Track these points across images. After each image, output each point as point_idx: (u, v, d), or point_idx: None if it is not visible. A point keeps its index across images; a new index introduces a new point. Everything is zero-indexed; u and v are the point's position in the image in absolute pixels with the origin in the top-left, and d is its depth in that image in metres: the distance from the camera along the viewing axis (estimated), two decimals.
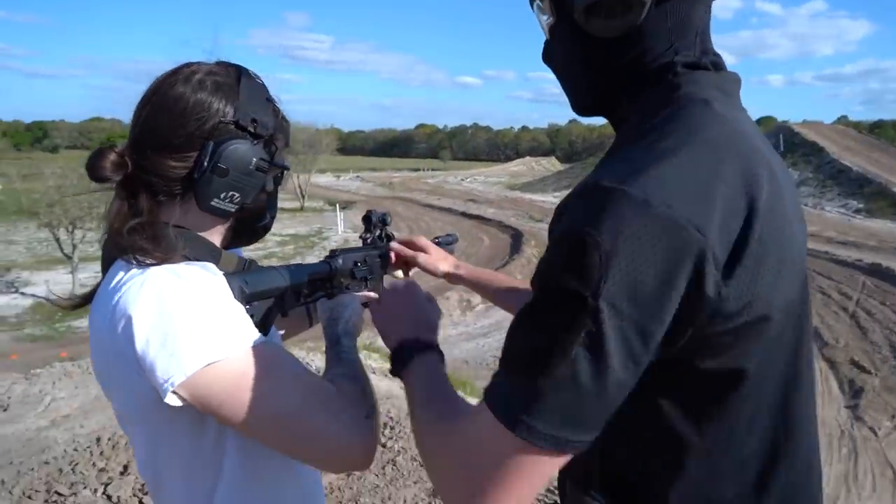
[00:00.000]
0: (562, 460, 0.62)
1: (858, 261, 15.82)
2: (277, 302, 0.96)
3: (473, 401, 0.75)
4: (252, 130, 0.87)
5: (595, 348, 0.57)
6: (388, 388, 4.79)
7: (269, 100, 0.92)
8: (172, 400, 0.76)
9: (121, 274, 0.82)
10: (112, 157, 0.84)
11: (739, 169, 0.63)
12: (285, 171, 0.96)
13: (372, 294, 1.16)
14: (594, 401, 0.58)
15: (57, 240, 19.79)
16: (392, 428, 3.57)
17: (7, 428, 3.66)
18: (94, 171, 0.83)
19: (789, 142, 34.30)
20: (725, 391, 0.66)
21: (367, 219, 1.31)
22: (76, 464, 3.15)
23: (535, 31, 0.85)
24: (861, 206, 25.13)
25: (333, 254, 1.15)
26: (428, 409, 0.74)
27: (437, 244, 1.42)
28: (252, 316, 0.86)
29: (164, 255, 0.81)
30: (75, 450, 3.28)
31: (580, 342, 0.57)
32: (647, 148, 0.64)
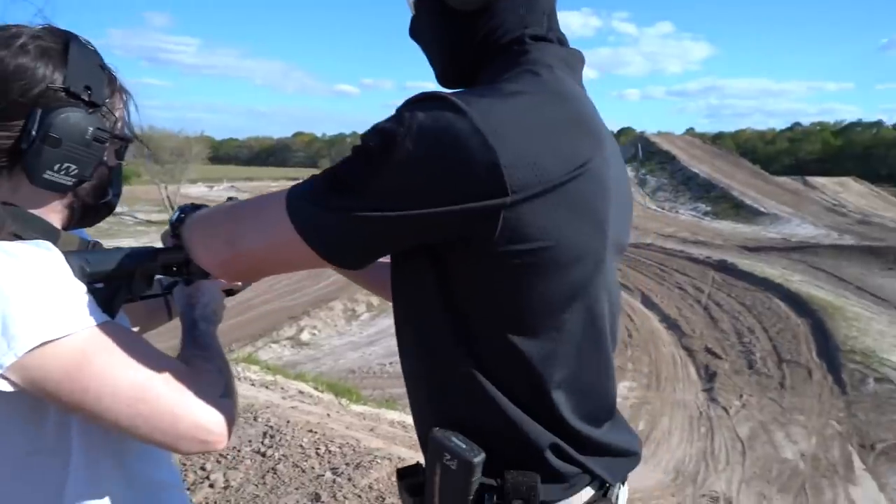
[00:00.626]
0: (310, 255, 0.73)
1: (708, 258, 17.55)
2: (125, 285, 0.89)
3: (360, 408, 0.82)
4: (86, 99, 0.81)
5: (380, 201, 0.67)
6: (267, 398, 4.61)
7: (104, 67, 0.85)
8: (2, 385, 0.68)
9: None
10: None
11: (570, 129, 0.72)
12: (128, 144, 0.90)
13: (232, 283, 1.11)
14: (354, 236, 0.70)
15: None
16: (272, 437, 3.43)
17: None
18: None
19: (647, 150, 37.39)
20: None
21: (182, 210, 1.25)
22: None
23: (412, 40, 0.89)
24: (708, 208, 27.94)
25: None
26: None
27: None
28: (95, 296, 0.79)
29: None
30: None
31: (371, 193, 0.68)
32: (486, 87, 0.74)
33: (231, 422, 0.81)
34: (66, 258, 0.77)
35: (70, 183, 0.81)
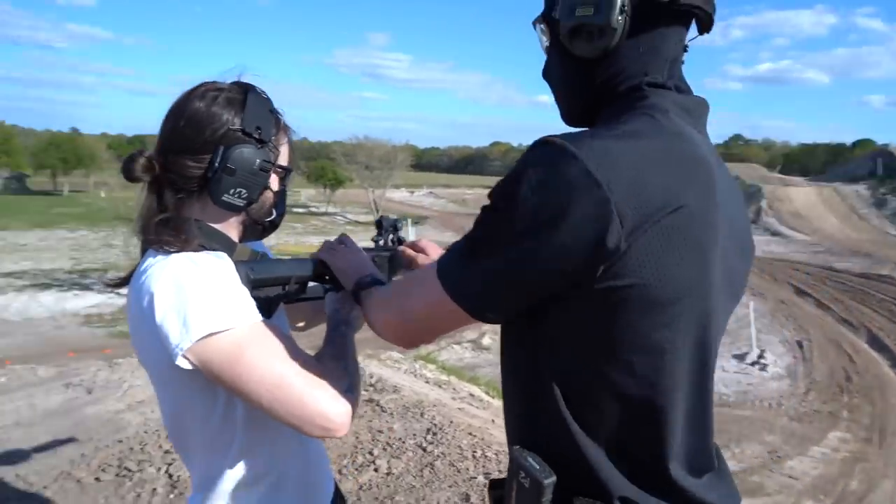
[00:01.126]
0: (451, 307, 0.82)
1: None
2: (282, 290, 1.10)
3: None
4: (256, 136, 1.03)
5: (515, 251, 0.75)
6: (437, 397, 4.91)
7: (272, 111, 1.08)
8: (182, 363, 0.91)
9: (149, 260, 0.99)
10: (142, 160, 1.01)
11: (677, 169, 0.76)
12: (289, 173, 1.12)
13: None
14: (500, 285, 0.79)
15: None
16: (434, 434, 3.69)
17: (90, 409, 4.04)
18: (127, 172, 1.02)
19: (889, 166, 32.08)
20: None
21: (379, 223, 1.44)
22: (145, 444, 3.46)
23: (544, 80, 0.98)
24: None
25: None
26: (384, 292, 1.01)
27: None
28: (257, 299, 1.02)
29: (183, 244, 0.98)
30: (145, 432, 3.59)
31: (506, 243, 0.76)
32: (599, 128, 0.81)
33: (350, 414, 0.97)
34: (235, 267, 1.01)
35: (242, 204, 1.05)
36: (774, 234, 34.60)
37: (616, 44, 0.83)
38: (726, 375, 14.25)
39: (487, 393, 6.78)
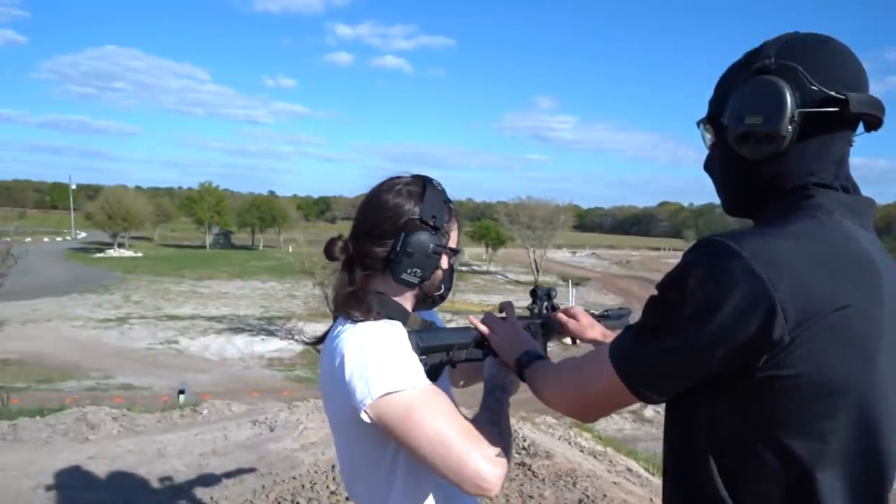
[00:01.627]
0: (628, 396, 0.89)
1: None
2: (446, 355, 1.25)
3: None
4: (431, 224, 1.20)
5: (678, 342, 0.81)
6: (591, 468, 4.76)
7: (446, 201, 1.24)
8: (364, 417, 1.06)
9: (340, 327, 1.18)
10: (339, 243, 1.21)
11: (842, 269, 0.80)
12: (457, 253, 1.28)
13: None
14: (662, 371, 0.85)
15: (326, 297, 23.31)
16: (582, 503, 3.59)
17: (271, 445, 4.51)
18: (328, 253, 1.22)
19: None
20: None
21: (533, 292, 1.55)
22: (315, 483, 3.78)
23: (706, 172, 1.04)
24: None
25: None
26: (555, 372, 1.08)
27: (606, 317, 1.62)
28: (426, 364, 1.17)
29: (366, 314, 1.17)
30: (315, 471, 3.93)
31: (672, 334, 0.82)
32: (770, 227, 0.85)
33: (503, 476, 1.07)
34: (408, 335, 1.17)
35: (416, 281, 1.20)
36: None
37: (784, 148, 0.86)
38: None
39: (647, 469, 6.38)
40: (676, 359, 0.82)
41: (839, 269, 0.79)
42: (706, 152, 1.00)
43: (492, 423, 1.14)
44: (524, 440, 4.87)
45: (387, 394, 1.05)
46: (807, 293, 0.76)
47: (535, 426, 5.86)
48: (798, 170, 0.88)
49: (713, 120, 0.96)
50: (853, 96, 0.84)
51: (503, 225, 51.17)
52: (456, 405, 1.31)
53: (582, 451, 5.57)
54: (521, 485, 3.87)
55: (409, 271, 1.19)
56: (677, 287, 0.82)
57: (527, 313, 1.52)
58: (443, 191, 1.26)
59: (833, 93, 0.84)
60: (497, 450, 1.08)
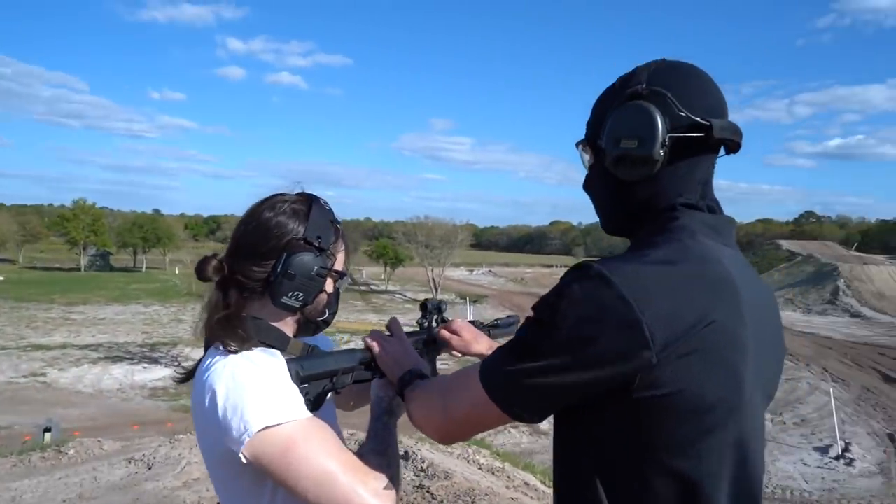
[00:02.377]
0: (502, 417, 0.89)
1: None
2: (330, 381, 1.17)
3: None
4: (316, 245, 1.13)
5: (540, 358, 0.82)
6: (489, 485, 4.78)
7: (333, 221, 1.19)
8: (241, 456, 0.97)
9: (210, 358, 1.08)
10: (213, 263, 1.12)
11: (704, 290, 0.82)
12: (343, 276, 1.21)
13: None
14: (537, 392, 0.84)
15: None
16: None
17: (148, 484, 4.16)
18: (199, 273, 1.12)
19: None
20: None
21: (423, 306, 1.50)
22: None
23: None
24: None
25: None
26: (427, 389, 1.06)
27: (496, 326, 1.63)
28: (307, 393, 1.09)
29: (241, 343, 1.07)
30: None
31: (545, 354, 0.82)
32: (635, 253, 0.88)
33: None
34: (287, 364, 1.08)
35: (298, 305, 1.13)
36: (854, 315, 32.70)
37: (657, 171, 0.91)
38: (807, 470, 13.14)
39: (544, 482, 6.53)
40: (550, 378, 0.82)
41: (702, 290, 0.82)
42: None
43: (378, 453, 1.09)
44: (422, 461, 4.81)
45: (263, 429, 0.97)
46: (672, 315, 0.78)
47: (434, 446, 5.84)
48: (668, 191, 0.92)
49: (591, 142, 0.99)
50: (716, 122, 0.89)
51: (401, 244, 51.26)
52: (339, 434, 1.24)
53: (480, 468, 5.59)
54: None
55: (290, 295, 1.11)
56: (552, 308, 0.83)
57: (418, 328, 1.48)
58: (330, 210, 1.20)
59: (699, 119, 0.89)
60: (385, 482, 1.02)
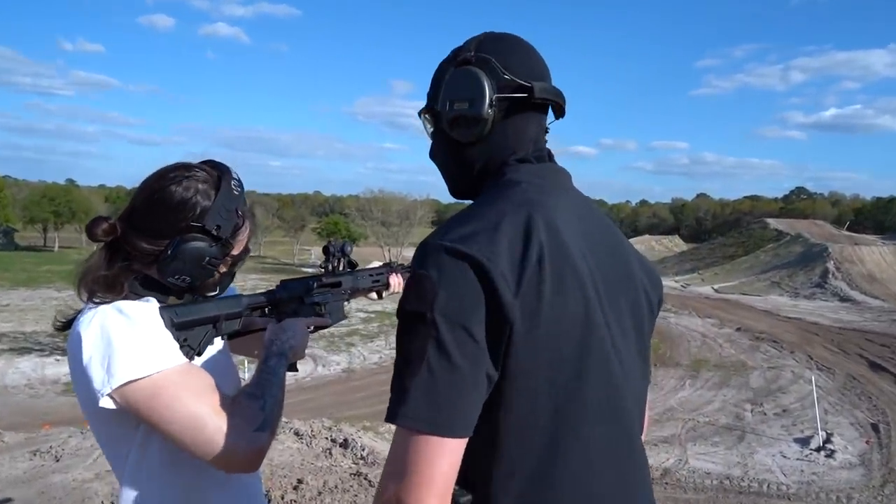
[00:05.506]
0: (450, 443, 0.88)
1: None
2: (212, 328, 1.28)
3: None
4: (214, 233, 1.23)
5: (439, 347, 0.89)
6: None
7: (238, 208, 1.27)
8: (106, 404, 1.09)
9: (84, 308, 1.18)
10: (104, 225, 1.21)
11: (520, 222, 0.98)
12: (242, 260, 1.32)
13: (318, 319, 1.48)
14: (450, 386, 0.89)
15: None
16: None
17: (56, 477, 4.19)
18: (90, 233, 1.21)
19: None
20: (520, 389, 0.94)
21: (325, 249, 1.61)
22: None
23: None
24: None
25: (283, 283, 1.47)
26: None
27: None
28: (185, 340, 1.21)
29: (114, 298, 1.17)
30: (112, 503, 3.72)
31: (429, 346, 0.89)
32: (466, 214, 1.03)
33: (259, 451, 1.13)
34: (160, 311, 1.18)
35: (184, 286, 1.24)
36: (844, 299, 34.02)
37: (488, 130, 1.09)
38: (786, 462, 13.72)
39: None
40: (470, 370, 0.89)
41: (525, 229, 0.96)
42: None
43: (254, 396, 1.19)
44: (362, 449, 4.95)
45: (130, 382, 1.08)
46: (514, 256, 0.93)
47: (378, 435, 5.97)
48: (502, 149, 1.10)
49: (431, 109, 1.15)
50: (537, 84, 1.09)
51: (354, 221, 51.01)
52: (232, 380, 1.36)
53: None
54: (356, 495, 3.95)
55: (177, 277, 1.23)
56: (417, 298, 0.92)
57: (321, 274, 1.58)
58: (239, 194, 1.29)
59: (521, 81, 1.08)
60: (256, 424, 1.14)
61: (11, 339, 24.23)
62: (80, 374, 1.11)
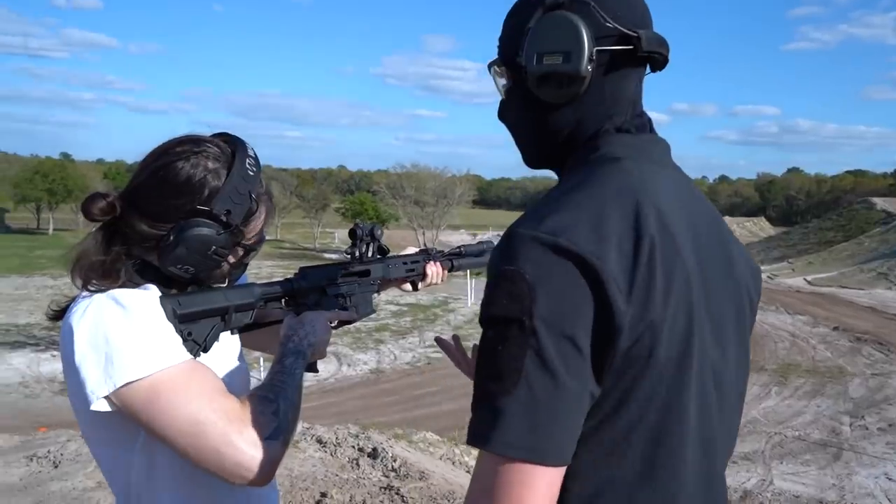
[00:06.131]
0: (549, 472, 0.86)
1: None
2: (221, 320, 1.29)
3: None
4: (222, 219, 1.23)
5: (540, 360, 0.85)
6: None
7: (251, 192, 1.27)
8: (100, 406, 1.10)
9: (78, 297, 1.20)
10: (102, 203, 1.21)
11: (630, 212, 0.94)
12: (256, 249, 1.33)
13: (343, 313, 1.49)
14: (553, 406, 0.85)
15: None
16: None
17: (55, 485, 4.36)
18: (85, 211, 1.22)
19: None
20: (616, 407, 0.93)
21: (353, 233, 1.60)
22: None
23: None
24: None
25: (303, 271, 1.49)
26: None
27: (459, 255, 1.84)
28: (189, 333, 1.22)
29: (110, 285, 1.19)
30: None
31: (528, 358, 0.85)
32: (560, 198, 0.97)
33: (272, 463, 1.13)
34: (161, 302, 1.19)
35: (187, 277, 1.24)
36: None
37: (584, 90, 1.02)
38: (891, 486, 13.37)
39: None
40: (575, 389, 0.87)
41: (633, 221, 0.93)
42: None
43: (267, 400, 1.20)
44: (394, 460, 5.02)
45: (126, 384, 1.10)
46: (624, 253, 0.90)
47: (412, 444, 6.04)
48: (597, 113, 1.05)
49: (507, 61, 1.09)
50: (644, 34, 1.01)
51: (384, 200, 51.16)
52: (242, 379, 1.38)
53: (468, 471, 5.82)
54: None
55: (179, 266, 1.23)
56: (511, 301, 0.88)
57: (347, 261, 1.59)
58: (255, 172, 1.29)
59: (626, 30, 1.01)
60: (267, 431, 1.14)
61: (4, 331, 25.08)
62: (71, 372, 1.13)
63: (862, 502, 13.05)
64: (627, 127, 1.05)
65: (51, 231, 63.22)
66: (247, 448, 1.11)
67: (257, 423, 1.14)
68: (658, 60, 1.06)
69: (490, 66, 1.13)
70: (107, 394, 1.09)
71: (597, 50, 1.00)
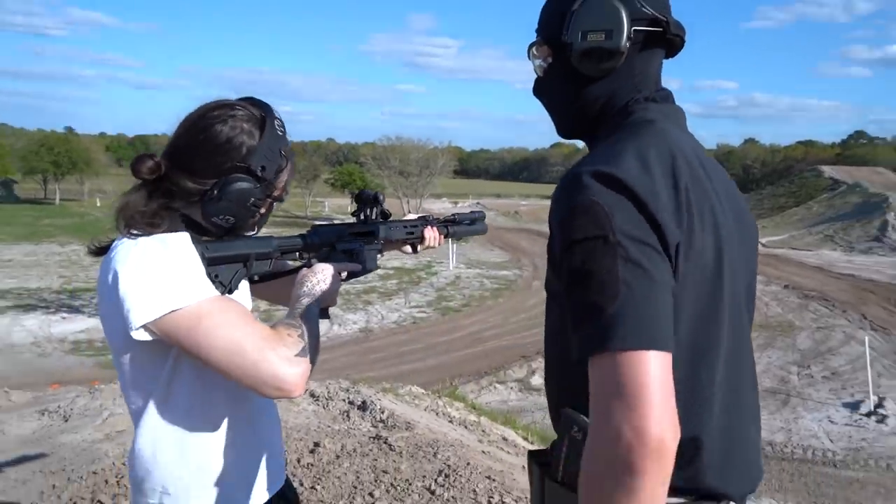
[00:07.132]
0: (665, 358, 0.90)
1: None
2: (242, 266, 1.35)
3: None
4: (259, 174, 1.31)
5: (632, 264, 0.93)
6: (458, 437, 5.06)
7: (282, 149, 1.35)
8: (139, 335, 1.18)
9: (117, 242, 1.26)
10: (150, 163, 1.28)
11: (667, 157, 1.04)
12: (282, 200, 1.42)
13: (351, 265, 1.54)
14: (654, 298, 0.93)
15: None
16: (447, 476, 3.83)
17: (65, 437, 4.35)
18: (135, 171, 1.28)
19: None
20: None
21: (358, 197, 1.68)
22: (121, 476, 3.72)
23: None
24: None
25: (315, 228, 1.54)
26: None
27: (453, 222, 1.90)
28: (216, 276, 1.28)
29: (150, 231, 1.25)
30: (123, 464, 3.86)
31: (620, 265, 0.93)
32: (607, 150, 1.07)
33: (303, 375, 1.22)
34: (194, 245, 1.25)
35: (227, 226, 1.32)
36: None
37: (620, 65, 1.12)
38: (833, 428, 13.86)
39: (525, 437, 6.87)
40: (664, 280, 0.95)
41: (670, 163, 1.03)
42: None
43: (291, 326, 1.28)
44: (382, 412, 5.06)
45: (168, 313, 1.17)
46: (667, 187, 1.00)
47: (398, 397, 6.09)
48: (629, 86, 1.14)
49: (551, 39, 1.16)
50: (671, 19, 1.12)
51: (370, 171, 50.97)
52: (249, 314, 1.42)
53: (451, 421, 5.87)
54: (375, 459, 4.05)
55: (221, 217, 1.31)
56: (594, 224, 0.95)
57: (352, 222, 1.64)
58: (283, 132, 1.37)
59: (657, 14, 1.11)
60: (297, 349, 1.23)
61: (16, 295, 24.92)
62: (113, 305, 1.19)
63: (807, 443, 13.45)
64: (654, 97, 1.14)
65: (57, 201, 62.36)
66: (281, 362, 1.19)
67: (286, 344, 1.22)
68: (677, 44, 1.18)
69: (531, 46, 1.20)
70: (153, 318, 1.16)
71: (634, 30, 1.10)
